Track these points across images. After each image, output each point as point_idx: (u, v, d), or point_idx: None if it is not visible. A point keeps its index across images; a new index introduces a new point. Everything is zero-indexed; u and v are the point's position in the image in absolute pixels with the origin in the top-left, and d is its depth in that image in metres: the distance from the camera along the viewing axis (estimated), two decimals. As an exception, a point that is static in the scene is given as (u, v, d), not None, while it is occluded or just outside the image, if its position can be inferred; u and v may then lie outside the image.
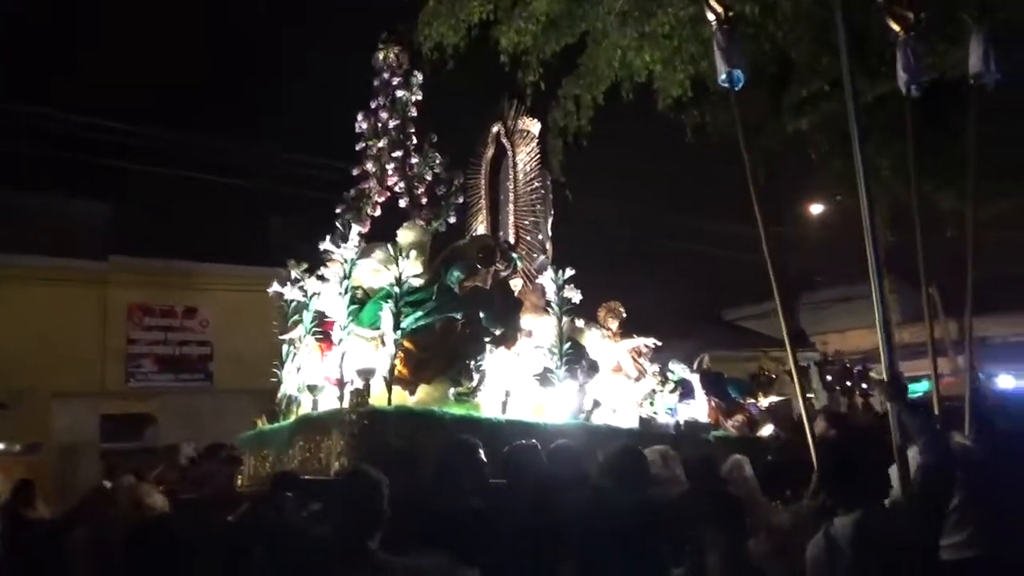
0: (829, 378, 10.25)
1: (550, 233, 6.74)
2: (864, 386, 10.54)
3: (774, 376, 8.80)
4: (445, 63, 7.75)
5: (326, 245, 5.16)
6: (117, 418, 10.89)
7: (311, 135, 15.14)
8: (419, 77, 6.33)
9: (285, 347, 5.71)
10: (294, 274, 5.52)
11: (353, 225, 5.21)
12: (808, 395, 9.83)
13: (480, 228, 7.02)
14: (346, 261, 5.07)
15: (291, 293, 5.56)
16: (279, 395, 5.71)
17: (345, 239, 5.04)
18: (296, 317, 5.58)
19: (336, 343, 5.14)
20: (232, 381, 11.24)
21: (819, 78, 8.02)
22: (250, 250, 11.98)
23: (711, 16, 4.86)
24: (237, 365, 11.10)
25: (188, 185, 12.30)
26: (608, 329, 7.06)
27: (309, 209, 13.70)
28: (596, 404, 5.86)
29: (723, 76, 4.87)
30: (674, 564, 3.77)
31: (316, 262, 5.50)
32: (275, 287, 5.55)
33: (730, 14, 4.87)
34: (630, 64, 7.68)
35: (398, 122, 6.15)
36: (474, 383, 5.11)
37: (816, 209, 17.68)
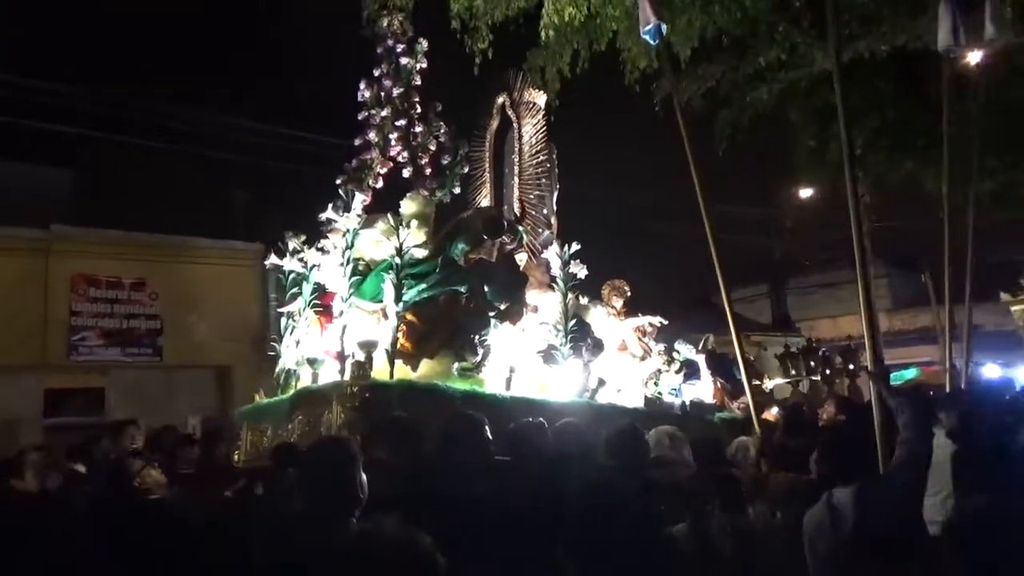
0: (812, 364, 10.18)
1: (555, 207, 6.58)
2: (851, 367, 10.49)
3: (752, 359, 8.75)
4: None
5: (328, 214, 5.01)
6: (62, 392, 10.38)
7: (283, 107, 14.63)
8: (424, 45, 6.14)
9: (284, 320, 5.57)
10: (293, 245, 5.36)
11: (356, 194, 5.03)
12: (796, 379, 9.78)
13: (484, 201, 6.86)
14: (348, 231, 4.91)
15: (290, 265, 5.41)
16: (277, 369, 5.59)
17: (348, 208, 4.88)
18: (295, 290, 5.43)
19: (337, 315, 5.01)
20: (183, 357, 10.97)
21: (777, 47, 7.79)
22: (212, 223, 11.63)
23: None
24: (188, 341, 10.87)
25: (148, 153, 11.85)
26: (612, 307, 6.95)
27: (278, 184, 13.22)
28: (601, 383, 5.76)
29: (649, 27, 4.79)
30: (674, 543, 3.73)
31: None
32: (273, 259, 5.39)
33: None
34: (570, 20, 7.27)
35: (402, 91, 5.96)
36: (478, 358, 5.00)
37: (804, 191, 17.32)
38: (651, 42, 5.38)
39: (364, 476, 2.72)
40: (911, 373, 12.51)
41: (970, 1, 5.45)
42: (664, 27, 5.11)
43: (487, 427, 3.74)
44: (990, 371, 12.23)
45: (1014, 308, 13.72)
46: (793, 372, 10.23)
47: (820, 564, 3.19)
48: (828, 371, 10.33)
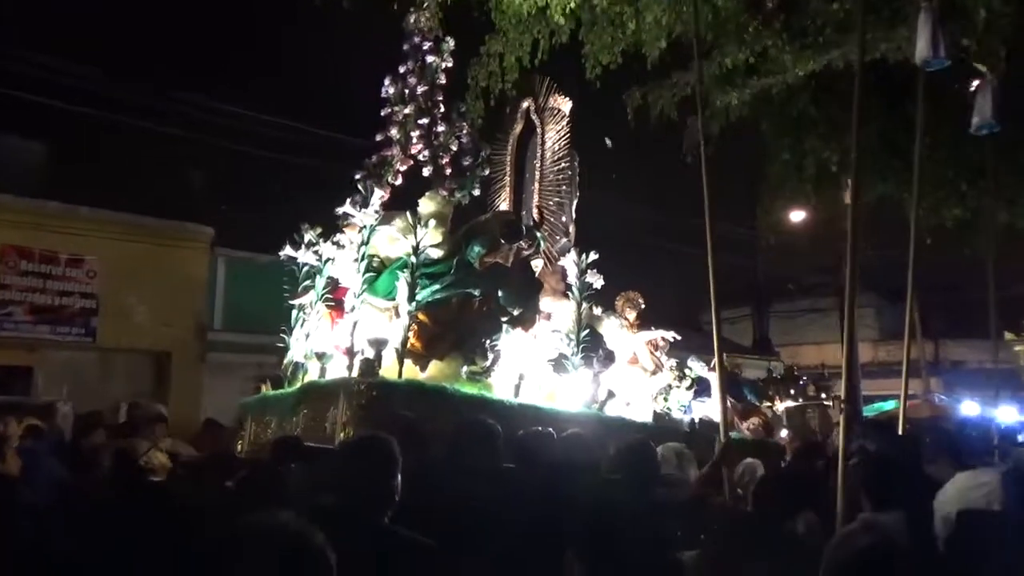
0: (793, 391, 10.00)
1: (574, 215, 6.52)
2: (823, 396, 10.37)
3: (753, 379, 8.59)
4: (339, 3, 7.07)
5: (346, 208, 4.97)
6: (-16, 369, 9.73)
7: (249, 89, 13.76)
8: (451, 43, 6.10)
9: (294, 312, 5.54)
10: (308, 237, 5.33)
11: (375, 190, 4.99)
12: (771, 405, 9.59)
13: (503, 205, 6.81)
14: (365, 227, 4.87)
15: (304, 257, 5.38)
16: (285, 361, 5.55)
17: (366, 204, 4.84)
18: (308, 282, 5.40)
19: (349, 311, 4.97)
20: (118, 339, 10.42)
21: (746, 48, 7.40)
22: (163, 202, 11.06)
23: None
24: (126, 323, 10.36)
25: (102, 126, 11.35)
26: (626, 319, 6.87)
27: (236, 167, 12.61)
28: (610, 395, 5.69)
29: None
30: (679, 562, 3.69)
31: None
32: (287, 250, 5.36)
33: None
34: (525, 12, 6.95)
35: (426, 88, 5.92)
36: (488, 362, 4.95)
37: (794, 212, 16.61)
38: None
39: (400, 478, 2.69)
40: (890, 405, 12.33)
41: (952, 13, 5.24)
42: None
43: (499, 438, 3.69)
44: (968, 408, 12.09)
45: (1017, 348, 13.38)
46: (771, 394, 10.13)
47: None
48: (802, 399, 10.24)
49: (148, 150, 12.08)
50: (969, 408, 11.86)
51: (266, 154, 12.06)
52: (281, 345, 5.61)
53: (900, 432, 4.79)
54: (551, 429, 4.08)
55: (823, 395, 10.45)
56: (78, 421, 6.68)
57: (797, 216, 12.81)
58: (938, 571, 2.93)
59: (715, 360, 7.39)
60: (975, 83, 5.70)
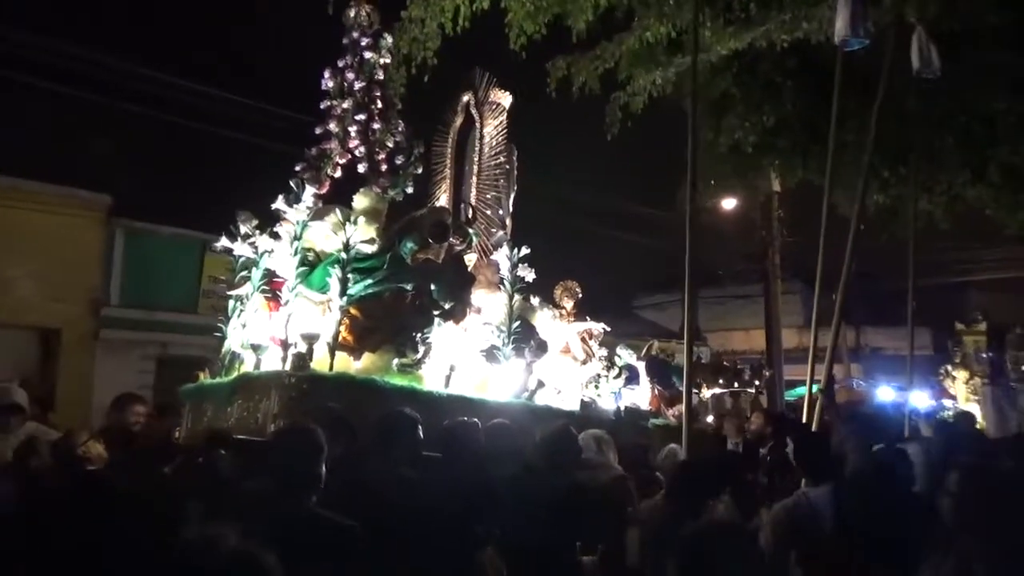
0: (722, 380, 10.36)
1: (511, 209, 6.72)
2: (756, 382, 10.81)
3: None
4: None
5: (278, 204, 5.06)
6: None
7: (164, 50, 13.23)
8: (389, 40, 6.19)
9: (231, 303, 5.61)
10: (244, 229, 5.40)
11: (307, 186, 5.09)
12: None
13: (443, 198, 6.96)
14: (297, 222, 4.98)
15: (240, 248, 5.45)
16: (222, 350, 5.63)
17: (298, 199, 4.95)
18: (244, 273, 5.48)
19: (284, 304, 5.08)
20: (1, 314, 9.64)
21: (668, 21, 7.26)
22: (59, 168, 10.31)
23: None
24: (10, 296, 9.66)
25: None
26: (563, 308, 7.12)
27: (147, 134, 11.83)
28: (540, 384, 5.92)
29: None
30: (593, 544, 3.95)
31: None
32: (224, 241, 5.43)
33: None
34: None
35: (364, 84, 6.01)
36: (419, 355, 5.11)
37: (719, 198, 16.26)
38: None
39: (324, 467, 2.87)
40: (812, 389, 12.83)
41: None
42: None
43: (420, 425, 3.89)
44: (883, 393, 12.77)
45: (966, 338, 13.87)
46: (698, 381, 10.42)
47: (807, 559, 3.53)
48: (737, 384, 10.60)
49: (41, 109, 11.19)
50: (884, 393, 12.52)
51: (174, 120, 11.30)
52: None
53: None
54: (476, 419, 4.29)
55: (756, 382, 10.84)
56: None
57: (727, 203, 12.97)
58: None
59: (646, 348, 7.74)
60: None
